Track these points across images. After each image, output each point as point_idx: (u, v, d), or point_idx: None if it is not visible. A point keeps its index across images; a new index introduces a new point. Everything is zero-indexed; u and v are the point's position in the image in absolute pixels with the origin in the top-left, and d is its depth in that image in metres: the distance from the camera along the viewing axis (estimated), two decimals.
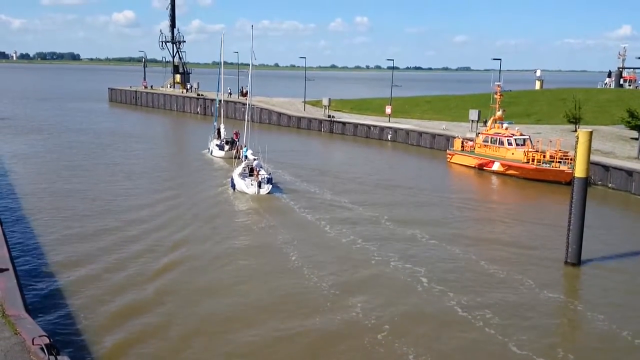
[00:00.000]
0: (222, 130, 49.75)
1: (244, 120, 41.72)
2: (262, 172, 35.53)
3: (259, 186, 34.09)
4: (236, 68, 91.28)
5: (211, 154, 47.99)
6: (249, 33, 46.97)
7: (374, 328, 17.51)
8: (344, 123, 67.31)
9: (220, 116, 51.68)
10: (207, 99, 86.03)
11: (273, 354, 16.05)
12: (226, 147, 46.66)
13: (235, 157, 41.47)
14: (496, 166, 44.19)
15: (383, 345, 16.59)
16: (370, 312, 18.55)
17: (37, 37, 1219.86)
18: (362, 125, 65.35)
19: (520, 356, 16.22)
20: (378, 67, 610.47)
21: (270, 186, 34.55)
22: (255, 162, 36.14)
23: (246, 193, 34.17)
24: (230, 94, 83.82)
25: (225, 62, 52.70)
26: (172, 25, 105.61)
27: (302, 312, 18.50)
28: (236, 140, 47.44)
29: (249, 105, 44.03)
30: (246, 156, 38.34)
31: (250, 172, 35.84)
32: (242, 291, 20.15)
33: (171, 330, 17.07)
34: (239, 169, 36.70)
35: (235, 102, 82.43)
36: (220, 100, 53.35)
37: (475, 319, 18.38)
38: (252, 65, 43.32)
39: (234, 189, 35.22)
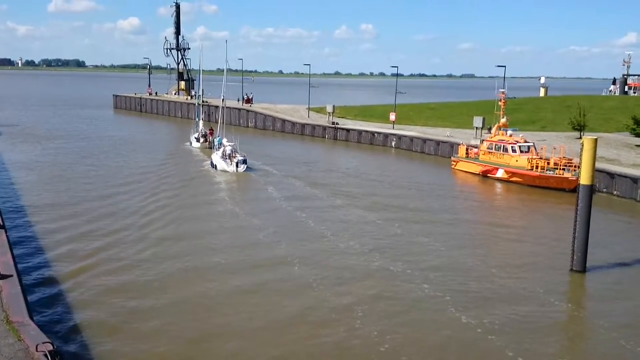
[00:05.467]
0: (201, 126, 60.84)
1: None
2: (237, 155, 44.39)
3: (237, 165, 43.27)
4: (241, 75, 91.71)
5: (191, 145, 58.78)
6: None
7: (371, 333, 17.46)
8: (347, 130, 67.33)
9: (200, 115, 63.03)
10: (212, 105, 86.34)
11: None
12: (201, 140, 58.14)
13: (209, 147, 54.18)
14: (500, 173, 44.12)
15: (384, 350, 16.53)
16: (370, 317, 18.52)
17: (43, 44, 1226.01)
18: (366, 132, 65.35)
19: None
20: (382, 74, 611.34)
21: (246, 166, 43.73)
22: (229, 147, 45.09)
23: (227, 171, 43.39)
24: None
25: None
26: (177, 32, 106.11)
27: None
28: (210, 135, 57.48)
29: (222, 107, 54.76)
30: (221, 143, 47.19)
31: (228, 155, 44.57)
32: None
33: (176, 335, 17.04)
34: (219, 153, 45.35)
35: (239, 109, 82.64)
36: (200, 104, 65.20)
37: (478, 325, 18.29)
38: (226, 72, 56.54)
39: (215, 168, 44.52)
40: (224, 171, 43.52)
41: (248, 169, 43.79)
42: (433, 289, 21.19)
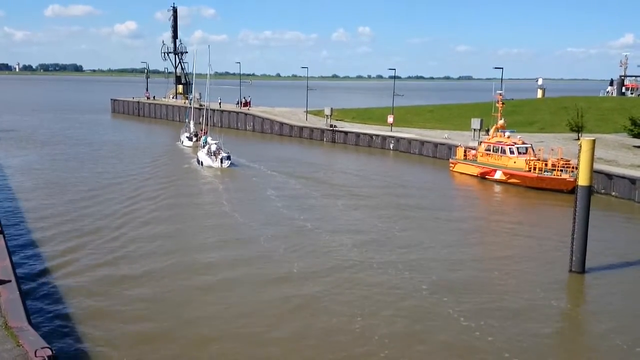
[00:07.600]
0: (192, 126, 64.65)
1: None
2: (222, 152, 47.16)
3: (221, 162, 46.28)
4: (239, 78, 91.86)
5: (182, 144, 62.16)
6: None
7: (369, 333, 17.47)
8: (346, 132, 67.37)
9: (192, 117, 66.19)
10: (210, 109, 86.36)
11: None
12: (194, 139, 61.01)
13: (198, 146, 55.72)
14: (498, 175, 44.15)
15: (381, 355, 16.53)
16: (365, 316, 18.53)
17: (40, 49, 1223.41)
18: (364, 134, 65.37)
19: None
20: (380, 77, 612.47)
21: (230, 161, 46.69)
22: (214, 145, 48.20)
23: (212, 167, 46.48)
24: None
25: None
26: (175, 36, 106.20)
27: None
28: (201, 135, 58.64)
29: (206, 108, 60.32)
30: (206, 141, 50.67)
31: (214, 152, 47.48)
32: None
33: (174, 340, 17.03)
34: (204, 150, 48.71)
35: (237, 113, 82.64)
36: (191, 107, 68.84)
37: (477, 326, 18.29)
38: (209, 76, 60.19)
39: (201, 165, 47.45)
40: (210, 167, 46.64)
41: (232, 164, 46.72)
42: (431, 291, 21.18)
